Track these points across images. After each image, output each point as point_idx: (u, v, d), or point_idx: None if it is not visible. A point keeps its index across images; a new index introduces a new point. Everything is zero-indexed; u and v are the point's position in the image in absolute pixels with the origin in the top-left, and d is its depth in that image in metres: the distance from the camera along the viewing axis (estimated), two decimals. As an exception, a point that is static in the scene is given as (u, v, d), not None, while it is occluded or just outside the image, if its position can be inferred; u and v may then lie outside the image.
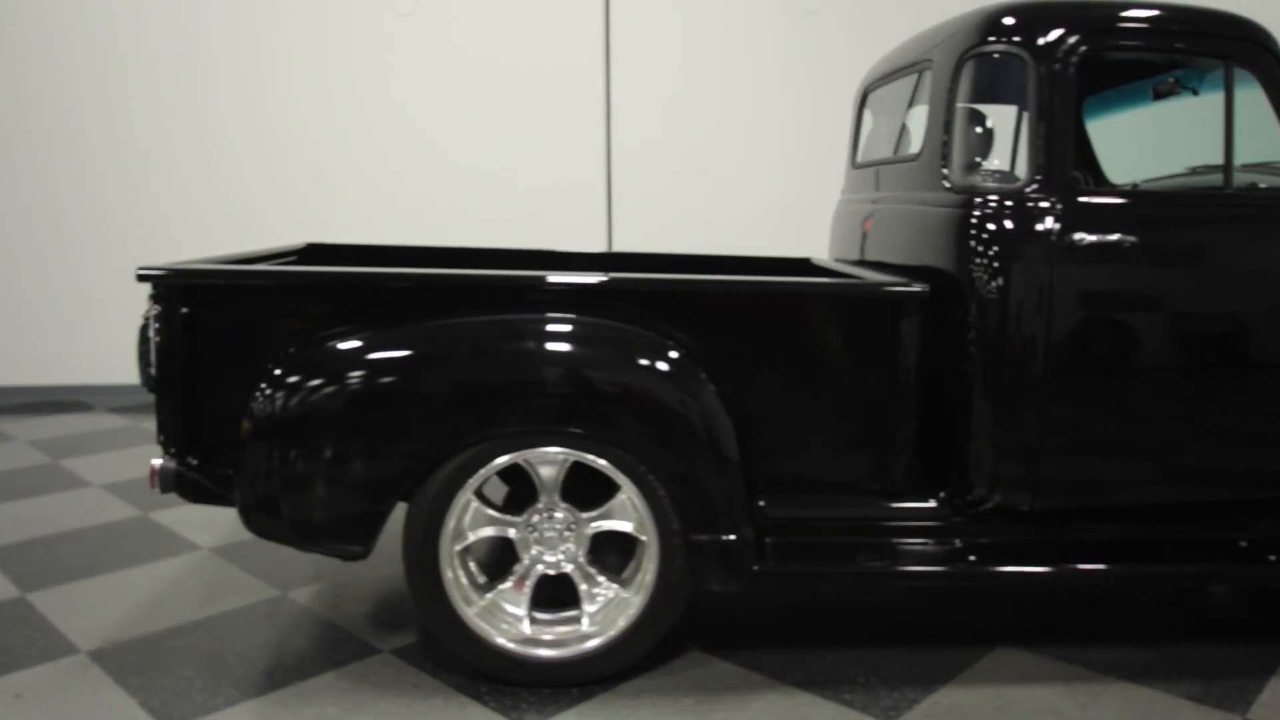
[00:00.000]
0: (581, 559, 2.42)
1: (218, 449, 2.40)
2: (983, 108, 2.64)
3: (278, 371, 2.31)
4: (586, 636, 2.37)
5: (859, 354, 2.46)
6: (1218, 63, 2.48)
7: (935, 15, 2.93)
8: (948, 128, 2.56)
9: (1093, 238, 2.36)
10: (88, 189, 5.72)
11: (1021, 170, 2.44)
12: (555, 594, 2.42)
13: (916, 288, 2.43)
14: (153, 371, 2.41)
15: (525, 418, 2.29)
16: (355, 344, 2.32)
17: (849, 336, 2.46)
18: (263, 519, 2.34)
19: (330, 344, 2.33)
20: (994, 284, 2.37)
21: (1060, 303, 2.36)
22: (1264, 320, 2.43)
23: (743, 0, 5.78)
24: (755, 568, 2.36)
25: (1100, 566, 2.47)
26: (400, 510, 2.35)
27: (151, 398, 2.42)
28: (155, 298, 2.39)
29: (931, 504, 2.52)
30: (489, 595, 2.40)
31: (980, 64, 2.52)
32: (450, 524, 2.33)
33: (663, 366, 2.33)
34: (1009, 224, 2.38)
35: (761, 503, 2.46)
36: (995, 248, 2.38)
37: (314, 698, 2.35)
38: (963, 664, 2.51)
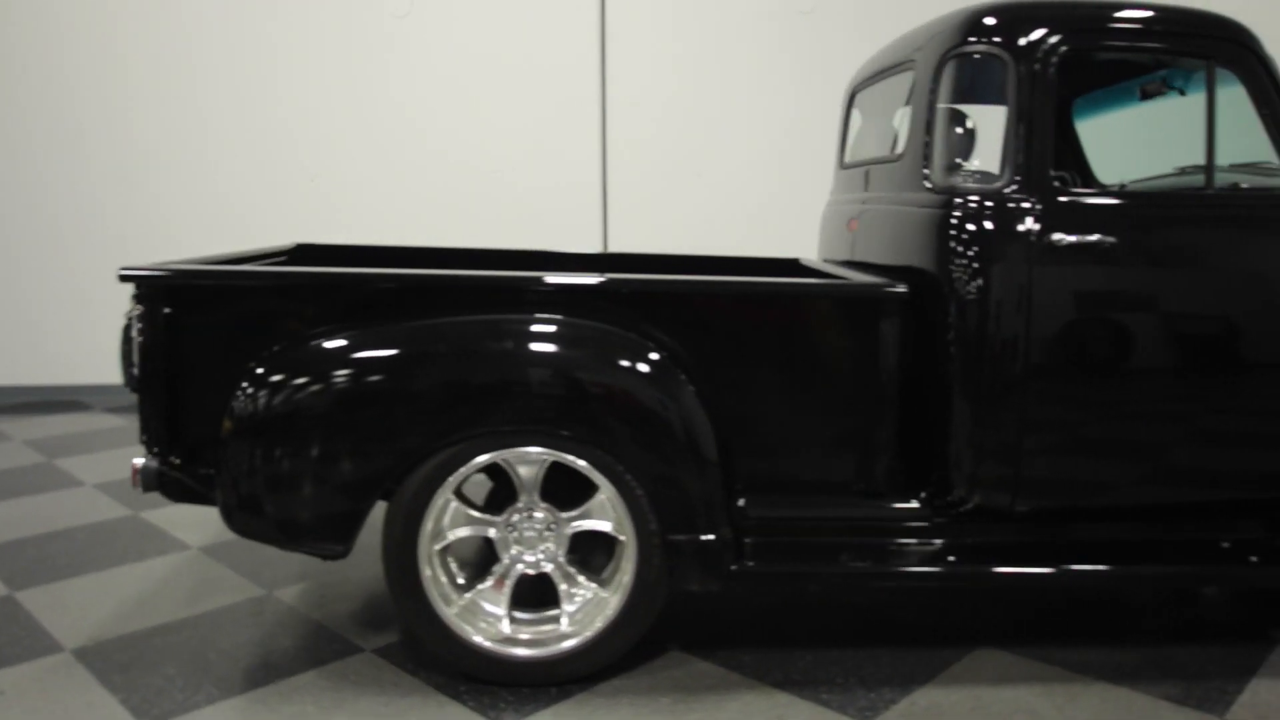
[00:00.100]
0: (561, 558, 2.42)
1: (200, 448, 2.41)
2: (969, 108, 2.65)
3: (258, 371, 2.32)
4: (564, 636, 2.37)
5: (839, 354, 2.46)
6: (1201, 63, 2.47)
7: (930, 16, 2.92)
8: (929, 128, 2.56)
9: (1072, 238, 2.36)
10: (87, 189, 5.75)
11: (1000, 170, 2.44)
12: (542, 594, 2.43)
13: (896, 288, 2.43)
14: (135, 371, 2.43)
15: (503, 418, 2.30)
16: (335, 344, 2.33)
17: (828, 337, 2.46)
18: (244, 518, 2.35)
19: (310, 344, 2.34)
20: (973, 284, 2.37)
21: (1039, 303, 2.35)
22: (1245, 320, 2.42)
23: (738, 1, 5.78)
24: (733, 567, 2.37)
25: (1082, 567, 2.46)
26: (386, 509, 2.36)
27: None
28: (138, 298, 2.41)
29: (912, 504, 2.52)
30: (468, 595, 2.41)
31: (961, 64, 2.52)
32: (429, 523, 2.34)
33: (642, 368, 2.34)
34: (988, 224, 2.38)
35: (741, 503, 2.46)
36: (975, 248, 2.38)
37: (294, 696, 2.36)
38: (942, 664, 2.51)
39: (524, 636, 2.38)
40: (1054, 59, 2.39)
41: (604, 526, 2.39)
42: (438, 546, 2.37)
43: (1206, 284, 2.42)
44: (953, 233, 2.41)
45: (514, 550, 2.42)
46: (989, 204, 2.39)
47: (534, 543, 2.42)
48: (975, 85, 2.53)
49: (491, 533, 2.43)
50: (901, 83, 2.88)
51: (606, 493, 2.34)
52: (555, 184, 5.81)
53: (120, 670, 2.48)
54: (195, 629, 2.73)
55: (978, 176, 2.48)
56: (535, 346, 2.34)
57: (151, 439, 2.43)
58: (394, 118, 5.78)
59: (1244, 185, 2.56)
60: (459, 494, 2.38)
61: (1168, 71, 2.83)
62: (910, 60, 2.75)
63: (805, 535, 2.49)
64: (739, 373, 2.43)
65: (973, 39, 2.48)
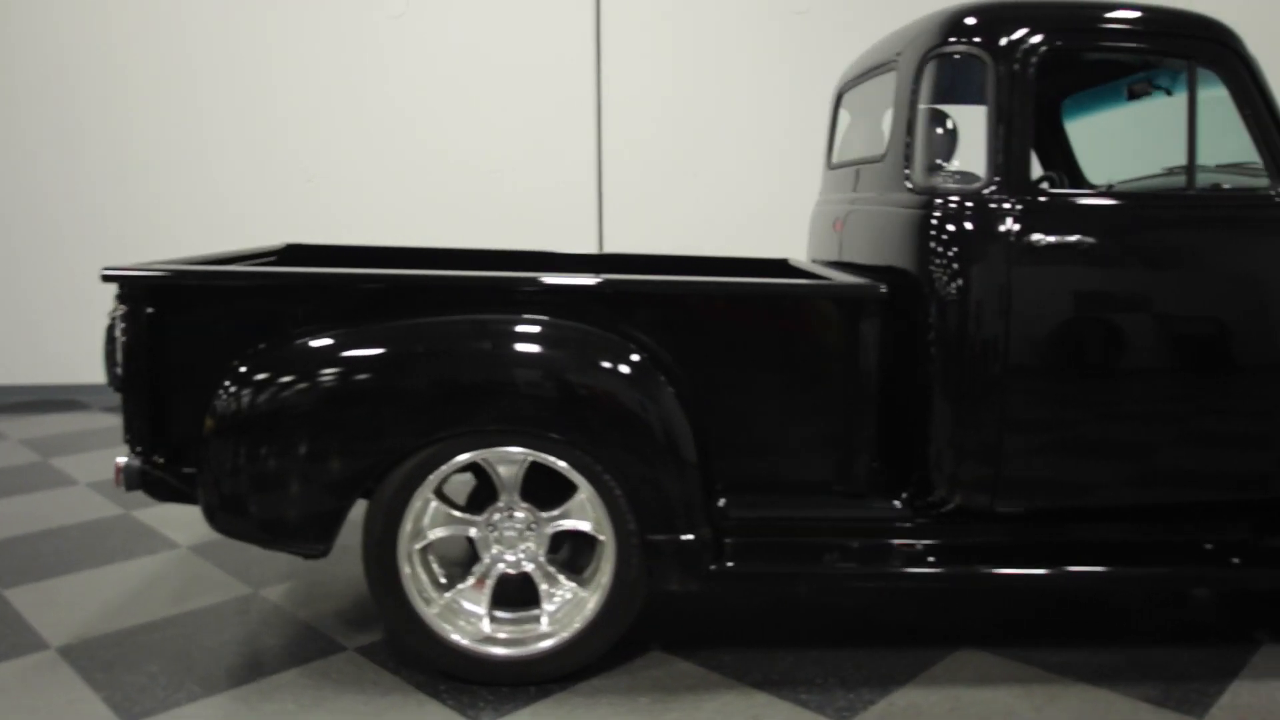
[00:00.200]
0: (542, 558, 2.43)
1: (183, 448, 2.43)
2: (953, 109, 2.65)
3: (240, 370, 2.33)
4: (542, 636, 2.38)
5: (819, 355, 2.46)
6: (1183, 63, 2.46)
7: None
8: (910, 129, 2.56)
9: (1051, 238, 2.36)
10: (86, 189, 5.78)
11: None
12: (529, 594, 2.43)
13: (876, 288, 2.43)
14: (119, 371, 2.44)
15: (481, 418, 2.31)
16: (316, 343, 2.34)
17: (808, 337, 2.46)
18: (225, 517, 2.36)
19: (291, 343, 2.35)
20: (953, 284, 2.37)
21: (1019, 303, 2.35)
22: (1225, 321, 2.42)
23: (733, 1, 5.78)
24: (712, 567, 2.37)
25: (1064, 569, 2.46)
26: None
27: None
28: (121, 298, 2.42)
29: (894, 505, 2.52)
30: (448, 594, 2.41)
31: (942, 64, 2.52)
32: (408, 522, 2.34)
33: (621, 368, 2.34)
34: (968, 225, 2.38)
35: (721, 503, 2.47)
36: (955, 248, 2.38)
37: (275, 694, 2.37)
38: (923, 665, 2.51)
39: (502, 636, 2.39)
40: (1034, 59, 2.39)
41: (583, 526, 2.39)
42: (418, 545, 2.38)
43: (1186, 284, 2.41)
44: (933, 233, 2.41)
45: (494, 550, 2.43)
46: (969, 204, 2.39)
47: (514, 542, 2.42)
48: (956, 85, 2.53)
49: (472, 532, 2.44)
50: (887, 83, 2.88)
51: (585, 493, 2.35)
52: (551, 184, 5.82)
53: (104, 668, 2.50)
54: (180, 627, 2.74)
55: (958, 177, 2.48)
56: (514, 347, 2.35)
57: (134, 438, 2.45)
58: (390, 118, 5.80)
59: (1225, 186, 2.56)
60: (440, 494, 2.39)
61: (1154, 72, 2.82)
62: (893, 60, 2.75)
63: (786, 536, 2.49)
64: (719, 373, 2.43)
65: (953, 39, 2.47)
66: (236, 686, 2.41)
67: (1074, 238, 2.36)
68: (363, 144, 5.80)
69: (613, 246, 5.82)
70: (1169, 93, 2.80)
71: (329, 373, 2.31)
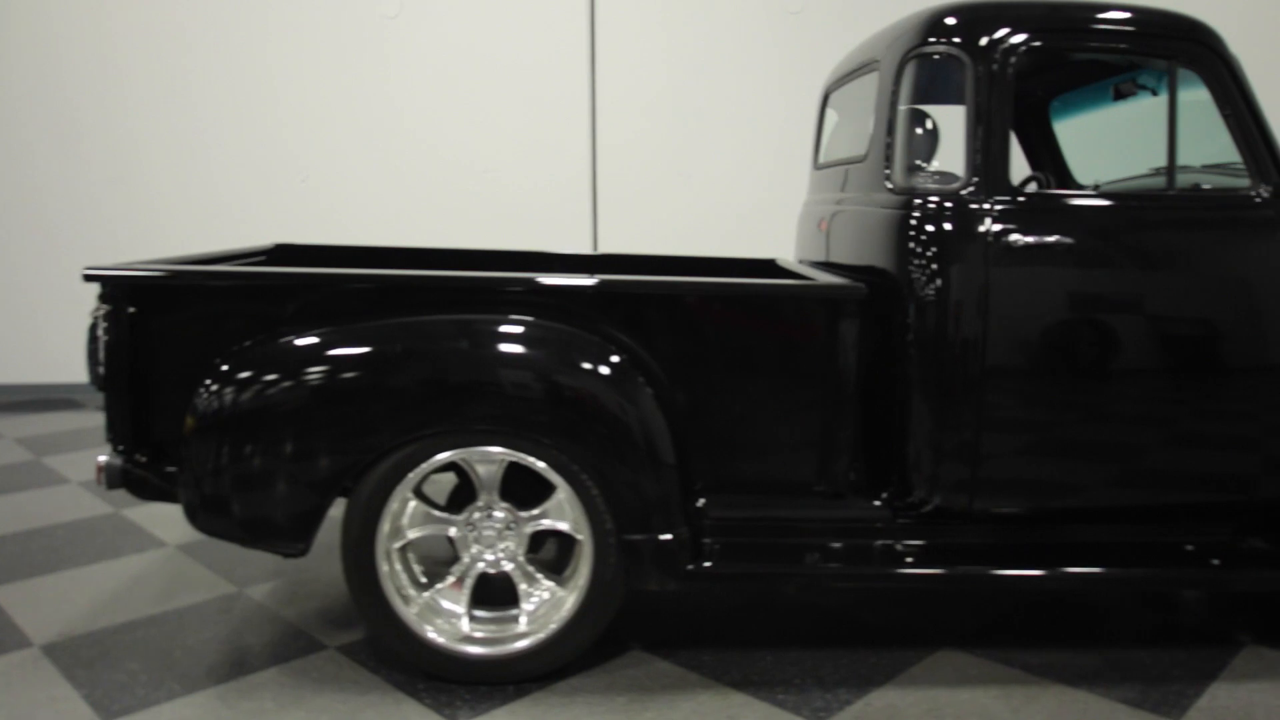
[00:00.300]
0: (521, 558, 2.43)
1: (165, 446, 2.44)
2: (935, 109, 2.64)
3: (221, 369, 2.34)
4: (519, 635, 2.38)
5: (798, 355, 2.46)
6: (1164, 63, 2.46)
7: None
8: (891, 129, 2.56)
9: (1029, 239, 2.36)
10: (83, 189, 5.80)
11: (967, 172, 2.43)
12: (512, 595, 2.44)
13: (855, 289, 2.43)
14: (101, 370, 2.45)
15: (460, 417, 2.31)
16: (296, 342, 2.35)
17: (787, 337, 2.46)
18: (206, 516, 2.37)
19: (271, 342, 2.36)
20: (932, 285, 2.37)
21: (997, 303, 2.35)
22: (1203, 321, 2.41)
23: (727, 1, 5.78)
24: (690, 567, 2.37)
25: (1044, 570, 2.45)
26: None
27: None
28: (103, 298, 2.44)
29: (874, 505, 2.52)
30: (427, 593, 2.42)
31: (921, 65, 2.52)
32: (386, 520, 2.35)
33: (600, 370, 2.34)
34: (946, 225, 2.38)
35: (701, 503, 2.47)
36: (933, 249, 2.38)
37: (253, 692, 2.38)
38: (902, 665, 2.51)
39: (479, 635, 2.39)
40: (1012, 59, 2.39)
41: (561, 526, 2.39)
42: (397, 544, 2.39)
43: (1166, 285, 2.41)
44: (911, 233, 2.41)
45: (474, 549, 2.44)
46: (948, 205, 2.39)
47: (493, 542, 2.43)
48: (936, 86, 2.53)
49: (452, 532, 2.44)
50: (871, 83, 2.87)
51: (563, 493, 2.35)
52: (545, 183, 5.83)
53: (85, 666, 2.51)
54: (163, 626, 2.75)
55: (937, 177, 2.48)
56: (491, 347, 2.35)
57: (116, 437, 2.46)
58: (385, 118, 5.81)
59: (1205, 186, 2.55)
60: (419, 493, 2.40)
61: (1139, 72, 2.82)
62: (876, 61, 2.75)
63: (765, 536, 2.49)
64: (698, 374, 2.44)
65: (932, 39, 2.47)
66: (216, 685, 2.42)
67: (1052, 238, 2.36)
68: (358, 144, 5.82)
69: (607, 246, 5.83)
70: (1155, 93, 2.79)
71: (307, 372, 2.32)
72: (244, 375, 2.33)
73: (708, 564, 2.39)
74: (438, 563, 2.55)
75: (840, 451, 2.49)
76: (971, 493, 2.42)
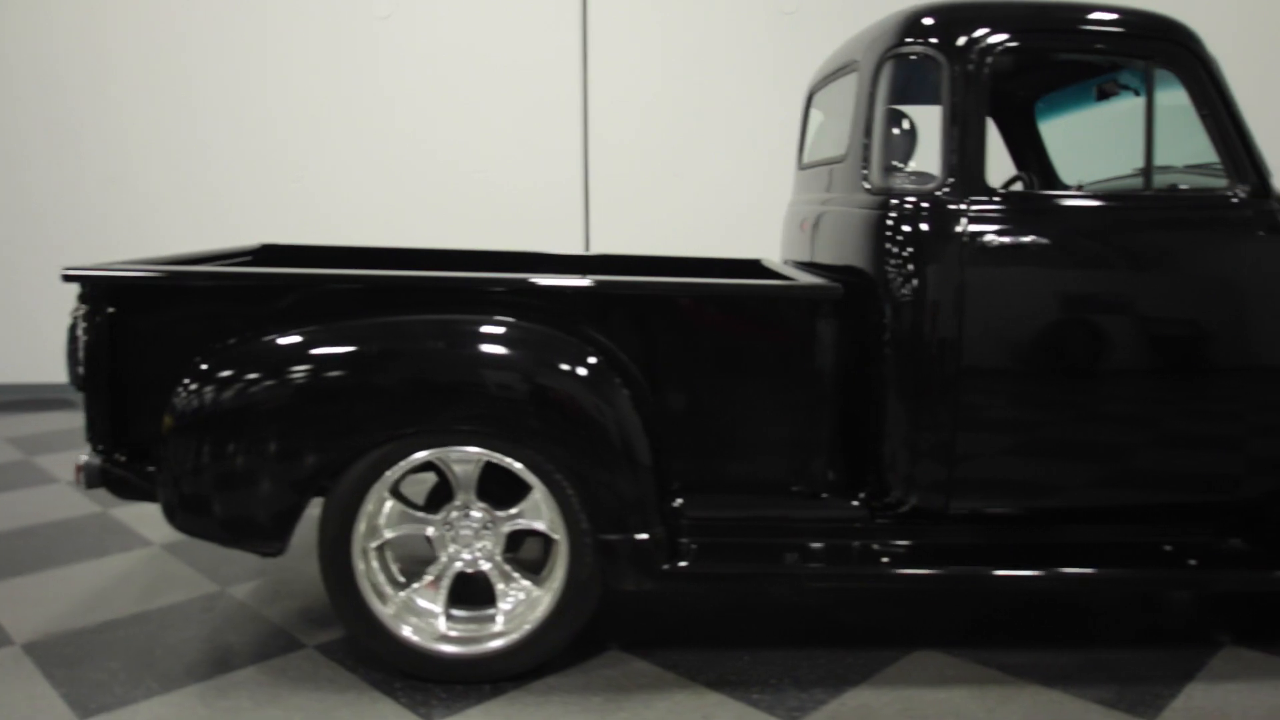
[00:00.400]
0: (498, 557, 2.44)
1: (145, 446, 2.45)
2: (914, 110, 2.64)
3: (198, 369, 2.35)
4: (495, 635, 2.39)
5: (774, 355, 2.46)
6: (1142, 63, 2.46)
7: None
8: (868, 129, 2.56)
9: (1005, 239, 2.36)
10: (80, 188, 5.81)
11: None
12: (491, 594, 2.44)
13: (830, 288, 2.43)
14: (80, 370, 2.46)
15: (436, 418, 2.32)
16: (273, 342, 2.35)
17: (764, 338, 2.47)
18: (184, 515, 2.37)
19: (249, 342, 2.37)
20: (907, 285, 2.37)
21: (973, 303, 2.35)
22: (1178, 321, 2.41)
23: (720, 1, 5.78)
24: (666, 567, 2.37)
25: (1022, 571, 2.45)
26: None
27: None
28: (82, 298, 2.44)
29: (851, 505, 2.52)
30: (404, 593, 2.42)
31: (899, 65, 2.52)
32: (363, 520, 2.35)
33: (578, 370, 2.34)
34: (922, 225, 2.38)
35: (678, 503, 2.47)
36: (909, 249, 2.38)
37: (231, 691, 2.39)
38: (878, 665, 2.51)
39: (454, 634, 2.40)
40: (989, 60, 2.39)
41: (538, 526, 2.40)
42: (374, 544, 2.39)
43: (1142, 284, 2.41)
44: (888, 234, 2.41)
45: (451, 549, 2.44)
46: (924, 205, 2.39)
47: (470, 541, 2.43)
48: (913, 86, 2.53)
49: (429, 531, 2.45)
50: (852, 84, 2.88)
51: (539, 493, 2.36)
52: (538, 183, 5.83)
53: (65, 664, 2.52)
54: (145, 624, 2.76)
55: (914, 178, 2.48)
56: (468, 348, 2.36)
57: (95, 436, 2.48)
58: (378, 118, 5.81)
59: (1183, 186, 2.55)
60: (396, 493, 2.40)
61: (1120, 72, 2.82)
62: (856, 61, 2.75)
63: (742, 535, 2.49)
64: (675, 374, 2.44)
65: (909, 39, 2.47)
66: (195, 683, 2.43)
67: (1028, 238, 2.36)
68: (352, 144, 5.82)
69: (600, 246, 5.83)
70: (1137, 93, 2.79)
71: (288, 372, 2.32)
72: (222, 375, 2.34)
73: (684, 564, 2.39)
74: (417, 562, 2.56)
75: (818, 451, 2.49)
76: (948, 493, 2.42)
